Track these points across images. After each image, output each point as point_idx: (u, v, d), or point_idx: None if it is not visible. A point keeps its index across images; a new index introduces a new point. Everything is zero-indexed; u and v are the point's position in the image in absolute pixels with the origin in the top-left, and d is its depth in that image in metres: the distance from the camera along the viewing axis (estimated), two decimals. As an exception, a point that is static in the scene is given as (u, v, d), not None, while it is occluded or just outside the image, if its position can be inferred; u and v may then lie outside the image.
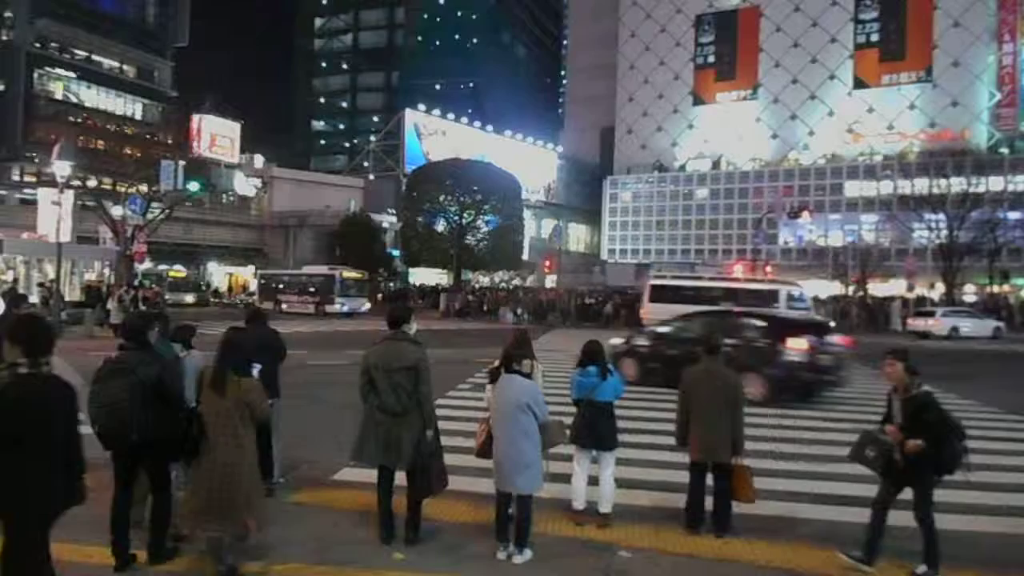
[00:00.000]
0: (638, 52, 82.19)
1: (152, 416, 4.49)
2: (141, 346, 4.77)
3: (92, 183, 35.94)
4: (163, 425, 4.53)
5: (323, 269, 39.46)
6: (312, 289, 38.07)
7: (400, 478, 5.24)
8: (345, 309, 36.11)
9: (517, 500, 4.99)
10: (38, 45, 65.07)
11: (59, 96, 67.05)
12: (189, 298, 44.29)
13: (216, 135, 62.00)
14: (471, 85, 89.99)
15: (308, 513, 5.68)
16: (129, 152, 45.44)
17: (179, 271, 49.31)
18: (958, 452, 4.86)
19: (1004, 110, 65.35)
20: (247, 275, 55.69)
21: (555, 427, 5.22)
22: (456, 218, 45.41)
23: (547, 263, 46.96)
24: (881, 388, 10.64)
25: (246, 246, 57.80)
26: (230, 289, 54.75)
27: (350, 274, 38.51)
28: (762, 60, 75.53)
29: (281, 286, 40.05)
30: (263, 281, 41.76)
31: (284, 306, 37.84)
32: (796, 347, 11.89)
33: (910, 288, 37.30)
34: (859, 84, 70.99)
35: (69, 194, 24.95)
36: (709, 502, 5.60)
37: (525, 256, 54.69)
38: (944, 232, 41.54)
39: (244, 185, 63.02)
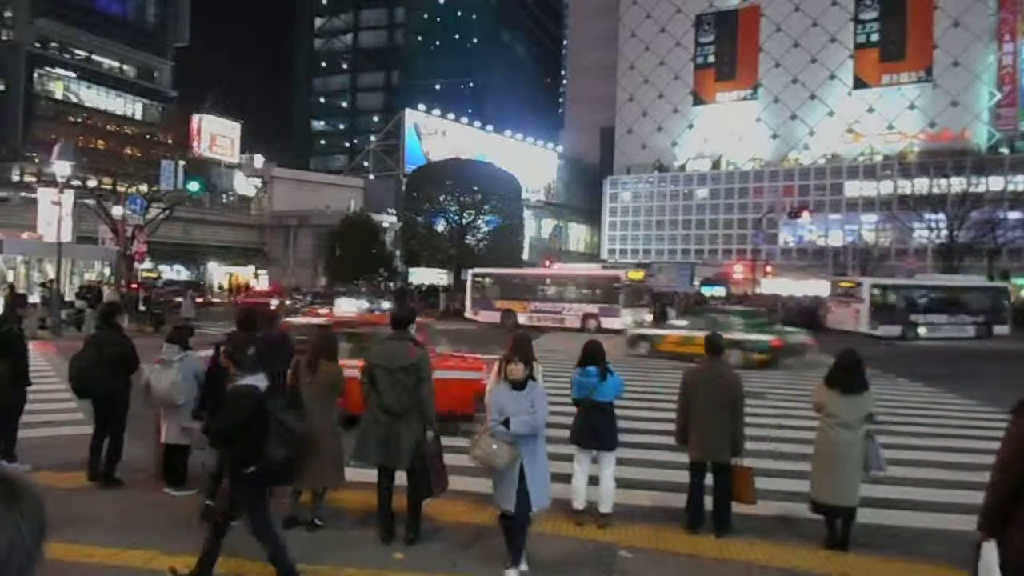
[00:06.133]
0: (638, 52, 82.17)
1: (111, 377, 6.33)
2: (111, 327, 6.63)
3: (92, 183, 35.79)
4: (121, 387, 6.47)
5: (973, 280, 26.60)
6: (974, 307, 25.13)
7: (400, 478, 5.23)
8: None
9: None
10: (38, 45, 65.04)
11: (59, 96, 67.04)
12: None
13: (216, 135, 61.96)
14: (471, 85, 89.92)
15: (308, 512, 5.67)
16: (129, 152, 45.25)
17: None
18: (277, 460, 4.08)
19: (1004, 110, 65.34)
20: (247, 275, 55.44)
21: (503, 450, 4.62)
22: (456, 218, 45.32)
23: (547, 263, 46.93)
24: (882, 389, 10.62)
25: (246, 246, 57.78)
26: None
27: None
28: (762, 60, 75.53)
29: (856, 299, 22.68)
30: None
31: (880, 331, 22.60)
32: None
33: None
34: (859, 84, 70.99)
35: (69, 194, 24.93)
36: (709, 502, 5.60)
37: (525, 256, 54.59)
38: (944, 232, 41.54)
39: (244, 185, 63.01)
